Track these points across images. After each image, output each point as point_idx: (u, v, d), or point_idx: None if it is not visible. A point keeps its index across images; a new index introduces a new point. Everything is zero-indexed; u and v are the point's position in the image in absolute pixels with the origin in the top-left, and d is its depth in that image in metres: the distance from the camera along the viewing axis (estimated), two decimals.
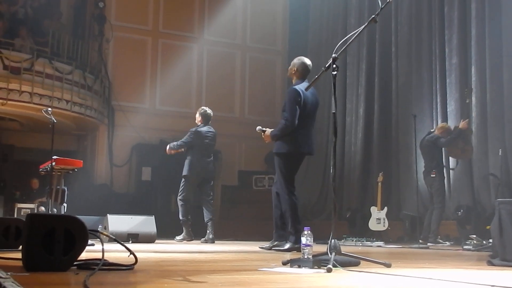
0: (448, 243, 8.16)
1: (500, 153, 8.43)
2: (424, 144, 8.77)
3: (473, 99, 9.18)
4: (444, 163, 9.09)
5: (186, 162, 8.30)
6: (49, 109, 7.21)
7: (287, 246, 5.68)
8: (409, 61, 10.67)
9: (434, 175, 8.52)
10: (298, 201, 5.90)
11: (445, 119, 9.69)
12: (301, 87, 5.76)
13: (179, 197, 8.32)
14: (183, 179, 8.31)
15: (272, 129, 5.90)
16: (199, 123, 8.45)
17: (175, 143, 8.44)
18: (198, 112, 8.55)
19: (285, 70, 14.44)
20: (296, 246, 5.43)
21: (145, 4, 13.33)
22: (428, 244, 8.03)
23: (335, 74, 3.63)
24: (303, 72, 5.95)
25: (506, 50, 8.85)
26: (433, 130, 8.96)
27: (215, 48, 13.76)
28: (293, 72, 6.01)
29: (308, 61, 6.00)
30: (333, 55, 3.64)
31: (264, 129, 5.96)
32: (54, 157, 6.74)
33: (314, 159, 12.47)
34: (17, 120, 12.32)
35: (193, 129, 8.39)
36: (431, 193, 8.68)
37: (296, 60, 6.02)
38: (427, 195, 8.95)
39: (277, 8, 14.51)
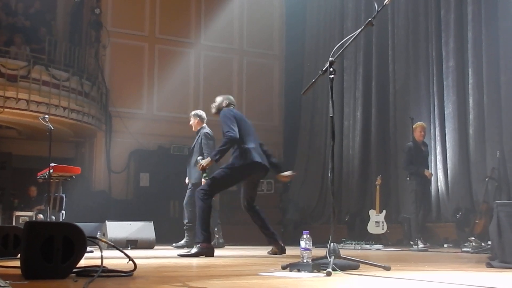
0: (428, 244, 8.12)
1: (498, 155, 8.46)
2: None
3: (471, 101, 9.21)
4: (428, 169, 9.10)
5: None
6: (46, 116, 7.21)
7: (194, 250, 5.57)
8: (406, 64, 10.68)
9: (408, 179, 8.60)
10: (211, 206, 5.76)
11: (442, 121, 9.70)
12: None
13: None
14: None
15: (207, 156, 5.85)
16: (199, 126, 8.18)
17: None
18: (194, 116, 8.28)
19: (282, 74, 14.51)
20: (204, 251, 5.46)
21: (142, 10, 13.33)
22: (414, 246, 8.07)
23: (332, 78, 3.62)
24: (230, 102, 6.43)
25: (503, 52, 8.86)
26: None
27: (212, 53, 13.77)
28: (224, 105, 6.36)
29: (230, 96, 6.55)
30: (330, 58, 3.63)
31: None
32: (52, 164, 6.73)
33: (313, 163, 12.50)
34: (14, 128, 12.31)
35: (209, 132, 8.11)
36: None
37: (219, 98, 6.54)
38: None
39: (274, 12, 14.54)
